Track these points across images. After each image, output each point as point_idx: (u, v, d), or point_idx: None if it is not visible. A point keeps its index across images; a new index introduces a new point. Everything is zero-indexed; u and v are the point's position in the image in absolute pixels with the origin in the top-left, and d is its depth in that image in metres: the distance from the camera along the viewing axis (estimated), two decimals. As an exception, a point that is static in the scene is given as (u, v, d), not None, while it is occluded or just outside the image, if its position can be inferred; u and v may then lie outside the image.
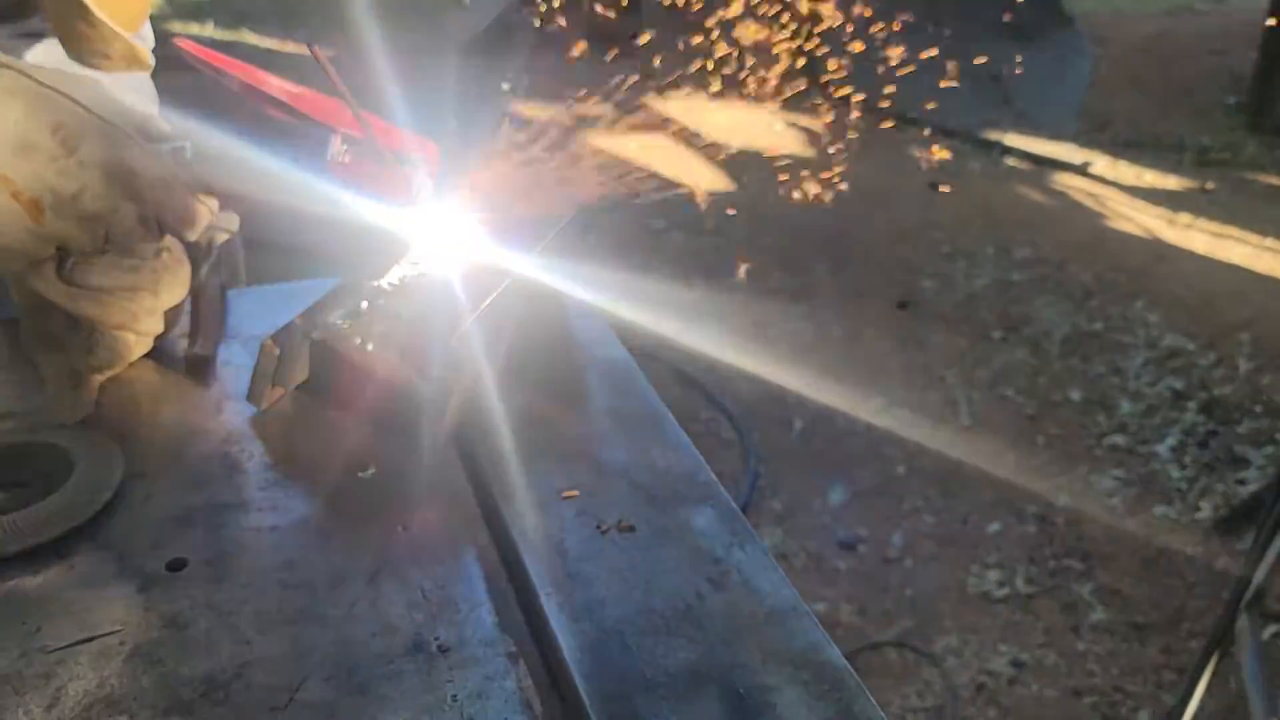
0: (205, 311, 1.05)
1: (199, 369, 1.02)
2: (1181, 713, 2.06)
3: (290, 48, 6.18)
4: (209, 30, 6.35)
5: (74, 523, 0.80)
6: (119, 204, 0.86)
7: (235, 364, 1.03)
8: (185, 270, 0.95)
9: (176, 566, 0.78)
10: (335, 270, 0.99)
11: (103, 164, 0.84)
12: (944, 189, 4.73)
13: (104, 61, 0.94)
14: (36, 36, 1.12)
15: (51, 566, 0.77)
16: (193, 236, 0.93)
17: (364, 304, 0.93)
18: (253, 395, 0.94)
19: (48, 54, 1.08)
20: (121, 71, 0.96)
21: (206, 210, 0.91)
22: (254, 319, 1.10)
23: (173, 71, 1.07)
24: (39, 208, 0.82)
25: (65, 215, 0.84)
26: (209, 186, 0.90)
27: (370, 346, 0.90)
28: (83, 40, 0.92)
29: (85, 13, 0.89)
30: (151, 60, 0.97)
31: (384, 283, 0.96)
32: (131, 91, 1.18)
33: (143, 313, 0.92)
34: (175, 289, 0.95)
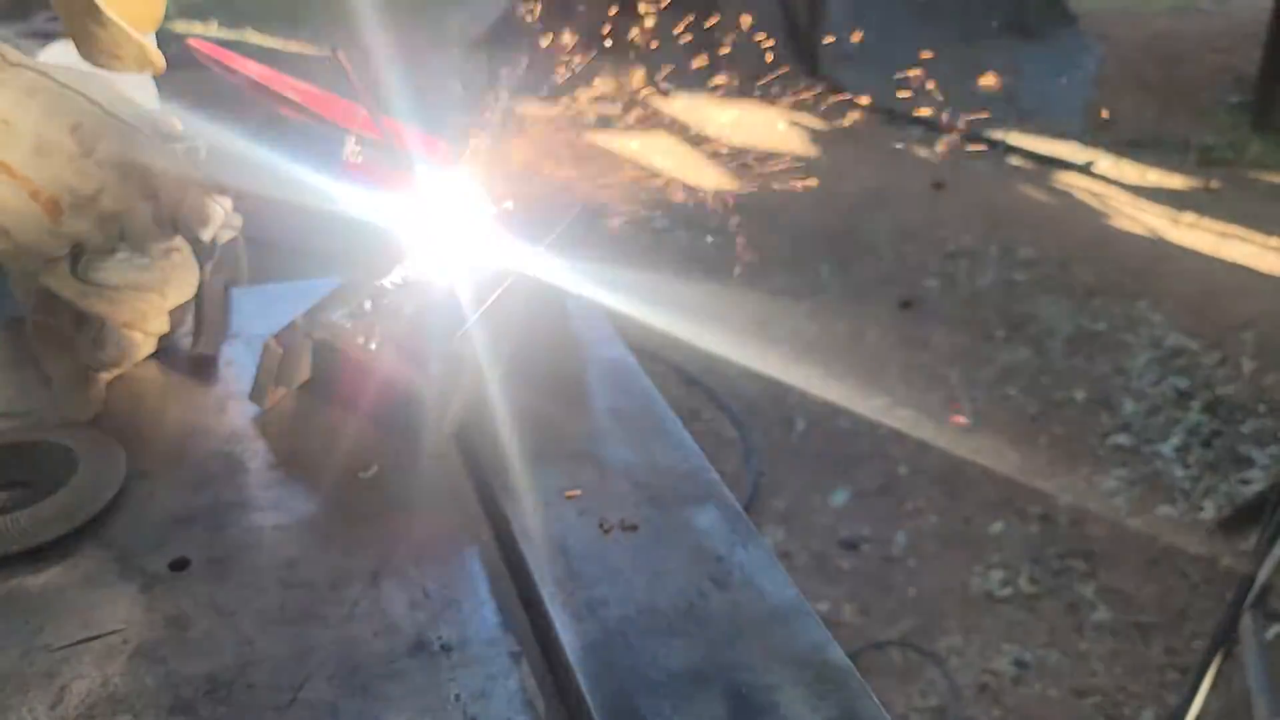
0: (209, 310, 1.05)
1: (202, 368, 1.02)
2: (1185, 713, 2.06)
3: (294, 46, 6.19)
4: (212, 29, 6.36)
5: (77, 522, 0.80)
6: (135, 203, 0.86)
7: (238, 363, 1.03)
8: (193, 271, 0.95)
9: (179, 566, 0.78)
10: (338, 269, 0.99)
11: (120, 163, 0.85)
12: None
13: (115, 62, 0.94)
14: (42, 35, 1.12)
15: (54, 565, 0.77)
16: (207, 236, 0.93)
17: (367, 303, 0.93)
18: (255, 394, 0.94)
19: (60, 55, 1.08)
20: (133, 72, 0.96)
21: (220, 210, 0.92)
22: (257, 318, 1.10)
23: (183, 70, 1.07)
24: (58, 207, 0.82)
25: (83, 214, 0.84)
26: (222, 186, 0.90)
27: (373, 346, 0.90)
28: (94, 41, 0.92)
29: (97, 13, 0.89)
30: (163, 62, 0.97)
31: (387, 282, 0.96)
32: (134, 90, 1.17)
33: (151, 311, 0.92)
34: (183, 289, 0.95)
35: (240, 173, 0.91)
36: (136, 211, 0.87)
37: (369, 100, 0.89)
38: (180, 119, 0.93)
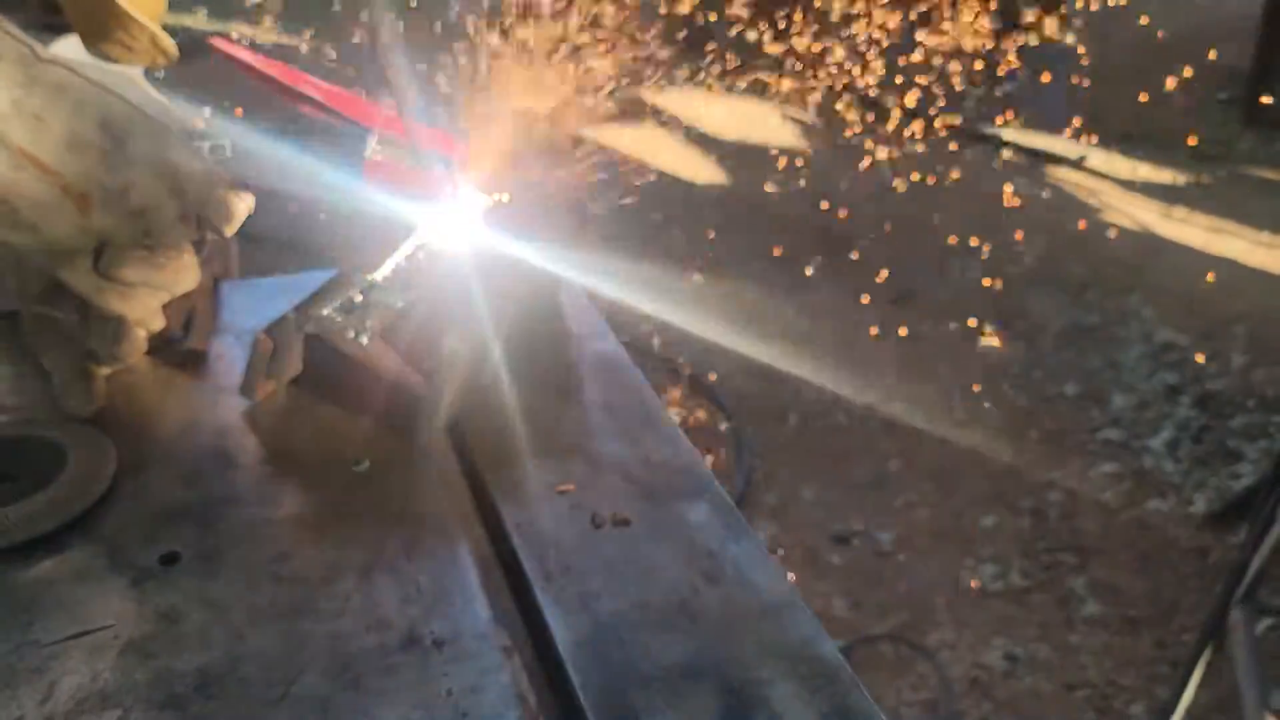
0: (199, 305, 1.05)
1: (192, 362, 1.02)
2: (1174, 706, 2.07)
3: (286, 39, 6.16)
4: (201, 21, 6.32)
5: (67, 517, 0.80)
6: (163, 200, 0.86)
7: (229, 357, 1.03)
8: (197, 269, 0.95)
9: (170, 560, 0.78)
10: (330, 262, 0.99)
11: (150, 160, 0.84)
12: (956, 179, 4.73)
13: (127, 54, 0.94)
14: (36, 28, 1.11)
15: (44, 561, 0.77)
16: (230, 232, 0.93)
17: (358, 297, 0.93)
18: (246, 388, 0.94)
19: (66, 49, 1.07)
20: (145, 64, 0.95)
21: (245, 207, 0.91)
22: (247, 312, 1.09)
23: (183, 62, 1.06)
24: (88, 202, 0.82)
25: (112, 210, 0.83)
26: (246, 184, 0.90)
27: (364, 340, 0.90)
28: (105, 32, 0.91)
29: (109, 3, 0.88)
30: (175, 50, 0.96)
31: (378, 275, 0.96)
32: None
33: (159, 309, 0.92)
34: (188, 286, 0.95)
35: (264, 170, 0.91)
36: (163, 208, 0.86)
37: (400, 98, 0.88)
38: (203, 116, 0.93)
